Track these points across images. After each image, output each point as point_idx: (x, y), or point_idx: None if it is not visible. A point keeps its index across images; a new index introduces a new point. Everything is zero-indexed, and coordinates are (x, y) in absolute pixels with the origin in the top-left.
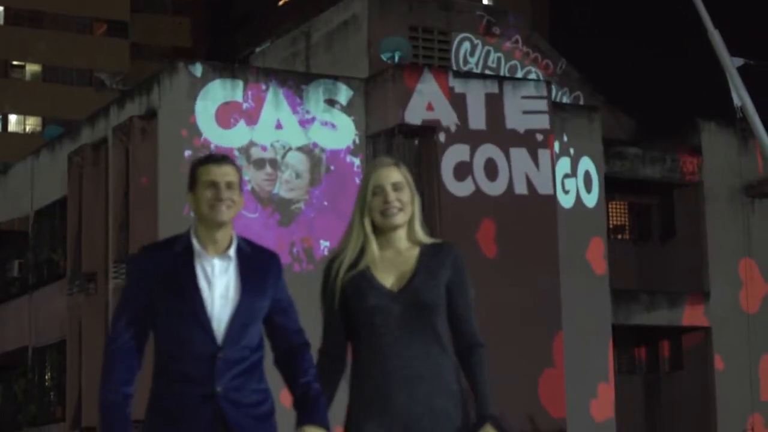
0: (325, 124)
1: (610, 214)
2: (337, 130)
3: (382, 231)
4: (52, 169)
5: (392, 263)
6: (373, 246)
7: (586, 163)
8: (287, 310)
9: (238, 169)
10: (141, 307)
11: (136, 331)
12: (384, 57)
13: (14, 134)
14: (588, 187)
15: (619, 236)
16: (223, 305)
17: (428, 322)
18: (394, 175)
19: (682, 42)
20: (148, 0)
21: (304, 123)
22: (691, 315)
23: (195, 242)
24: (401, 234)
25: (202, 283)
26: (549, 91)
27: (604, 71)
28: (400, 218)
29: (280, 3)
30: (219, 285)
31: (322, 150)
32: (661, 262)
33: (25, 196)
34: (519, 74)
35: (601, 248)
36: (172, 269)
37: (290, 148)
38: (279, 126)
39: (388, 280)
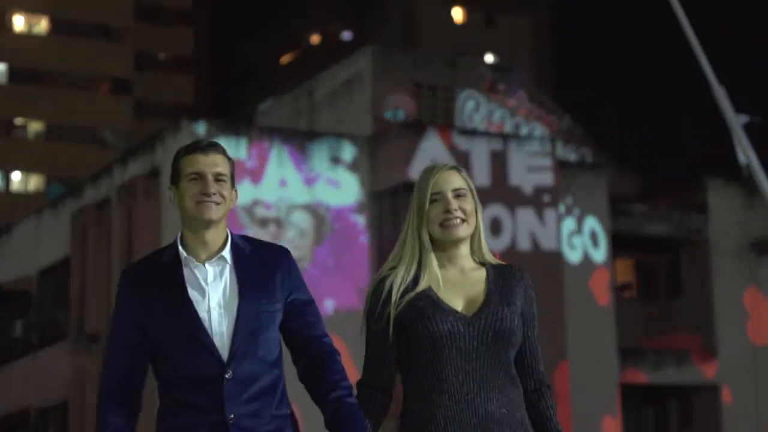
0: (329, 182)
1: (617, 271)
2: (342, 189)
3: (442, 246)
4: (56, 229)
5: (458, 284)
6: (434, 262)
7: (592, 221)
8: (305, 312)
9: (230, 160)
10: (133, 335)
11: (131, 364)
12: (387, 115)
13: (17, 193)
14: (595, 245)
15: (626, 294)
16: (221, 315)
17: (505, 355)
18: (455, 180)
19: (688, 98)
20: (152, 57)
21: (308, 181)
22: (699, 373)
23: (181, 249)
24: (464, 251)
25: (194, 293)
26: (554, 148)
27: (609, 127)
28: (463, 230)
29: (284, 61)
30: (214, 293)
31: (327, 209)
32: (669, 320)
33: (29, 256)
34: (524, 130)
35: (606, 278)
36: (160, 284)
37: (294, 207)
38: (283, 184)
39: (457, 303)
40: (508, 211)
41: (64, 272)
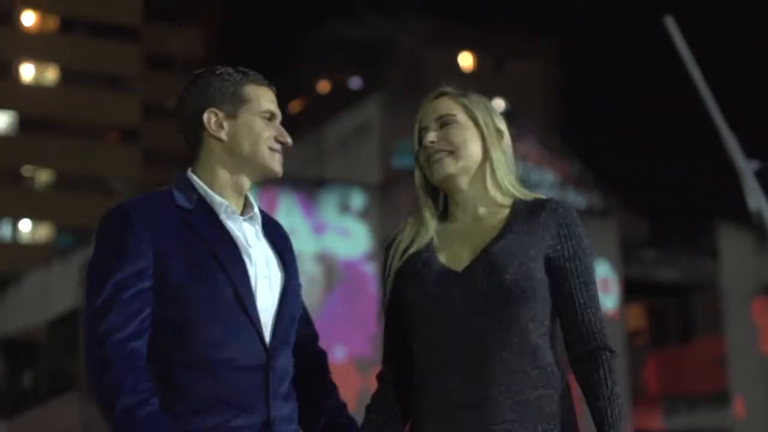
0: (338, 230)
1: (628, 317)
2: (351, 237)
3: (447, 191)
4: (65, 279)
5: (465, 235)
6: (427, 214)
7: (603, 267)
8: (302, 303)
9: None
10: (146, 289)
11: (143, 324)
12: (397, 163)
13: (26, 243)
14: (606, 291)
15: (638, 340)
16: (266, 288)
17: (515, 317)
18: (441, 106)
19: (698, 142)
20: (160, 106)
21: (317, 229)
22: (711, 419)
23: (213, 192)
24: (473, 191)
25: (244, 255)
26: (564, 194)
27: (618, 171)
28: (448, 165)
29: (292, 109)
30: (258, 258)
31: (336, 257)
32: (681, 365)
33: (38, 306)
34: (534, 176)
35: (618, 324)
36: (189, 235)
37: (304, 255)
38: (292, 232)
39: (454, 258)
40: None
41: (73, 323)
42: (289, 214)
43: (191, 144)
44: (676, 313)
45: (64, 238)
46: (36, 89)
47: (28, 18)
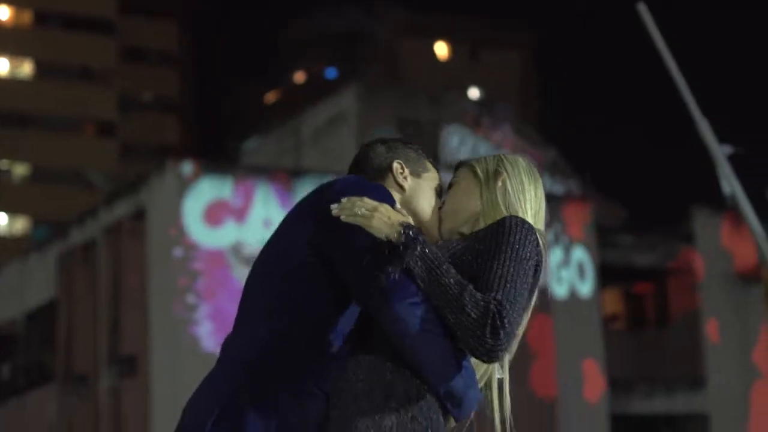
0: None
1: (605, 302)
2: None
3: None
4: (42, 271)
5: None
6: None
7: (579, 252)
8: None
9: None
10: None
11: None
12: None
13: (3, 236)
14: (582, 277)
15: (615, 325)
16: None
17: None
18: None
19: (673, 129)
20: (136, 99)
21: None
22: (689, 402)
23: None
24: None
25: None
26: None
27: (595, 159)
28: (443, 230)
29: (269, 100)
30: None
31: None
32: (657, 350)
33: (15, 299)
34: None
35: (594, 309)
36: None
37: None
38: (269, 223)
39: None
40: None
41: (50, 315)
42: (266, 205)
43: (373, 172)
44: (652, 297)
45: (41, 231)
46: (11, 83)
47: (2, 12)
